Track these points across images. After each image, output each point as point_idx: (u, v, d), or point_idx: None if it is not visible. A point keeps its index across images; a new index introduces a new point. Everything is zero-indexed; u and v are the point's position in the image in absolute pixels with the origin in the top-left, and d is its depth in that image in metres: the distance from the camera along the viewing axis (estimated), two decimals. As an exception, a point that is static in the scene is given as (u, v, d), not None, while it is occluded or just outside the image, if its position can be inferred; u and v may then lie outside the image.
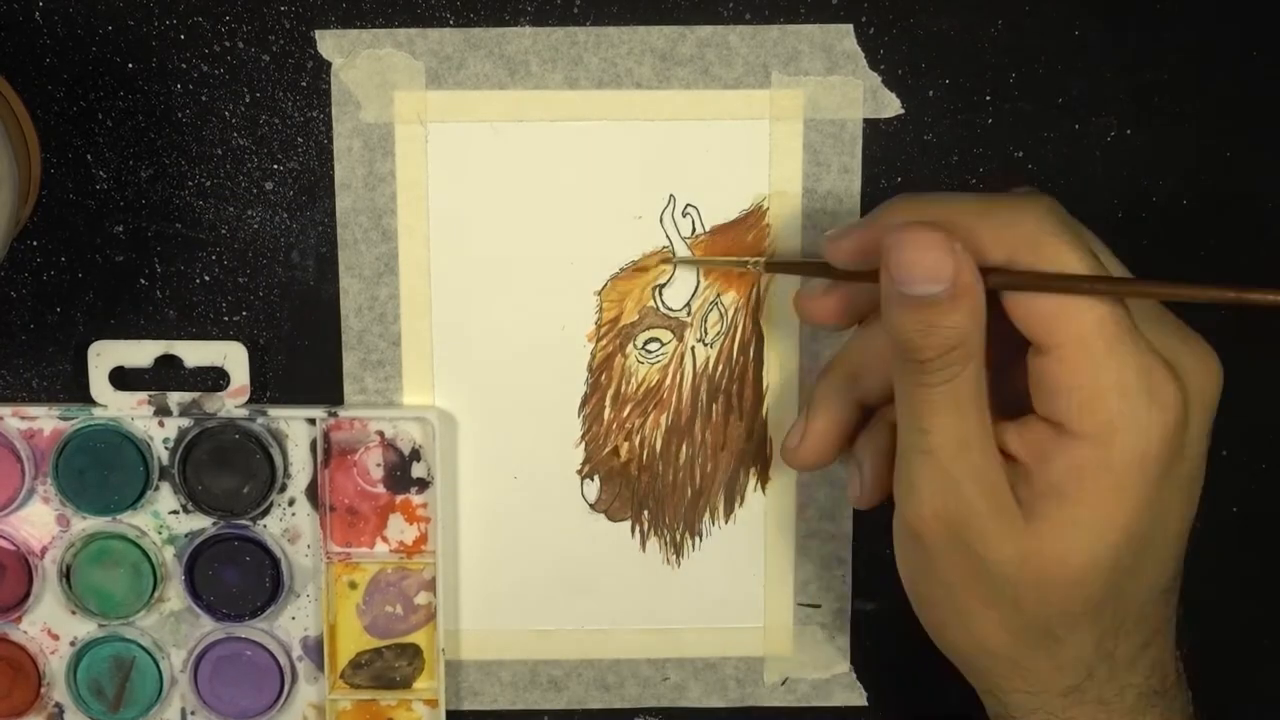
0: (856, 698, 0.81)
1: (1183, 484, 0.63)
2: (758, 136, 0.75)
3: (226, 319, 0.77)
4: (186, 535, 0.79)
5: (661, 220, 0.76)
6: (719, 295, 0.77)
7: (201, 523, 0.79)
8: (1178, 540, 0.65)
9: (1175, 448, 0.61)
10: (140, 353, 0.77)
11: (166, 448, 0.78)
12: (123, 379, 0.77)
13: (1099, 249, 0.63)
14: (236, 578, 0.79)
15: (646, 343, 0.77)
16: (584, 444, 0.79)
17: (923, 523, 0.63)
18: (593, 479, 0.79)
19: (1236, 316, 0.75)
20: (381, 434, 0.78)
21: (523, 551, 0.80)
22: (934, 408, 0.62)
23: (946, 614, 0.66)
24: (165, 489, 0.78)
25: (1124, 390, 0.60)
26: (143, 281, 0.76)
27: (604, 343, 0.77)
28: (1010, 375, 0.64)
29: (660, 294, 0.77)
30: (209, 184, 0.75)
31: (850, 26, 0.74)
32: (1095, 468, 0.61)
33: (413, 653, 0.80)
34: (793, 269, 0.75)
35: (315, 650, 0.80)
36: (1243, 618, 0.80)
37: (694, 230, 0.76)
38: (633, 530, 0.79)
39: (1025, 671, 0.65)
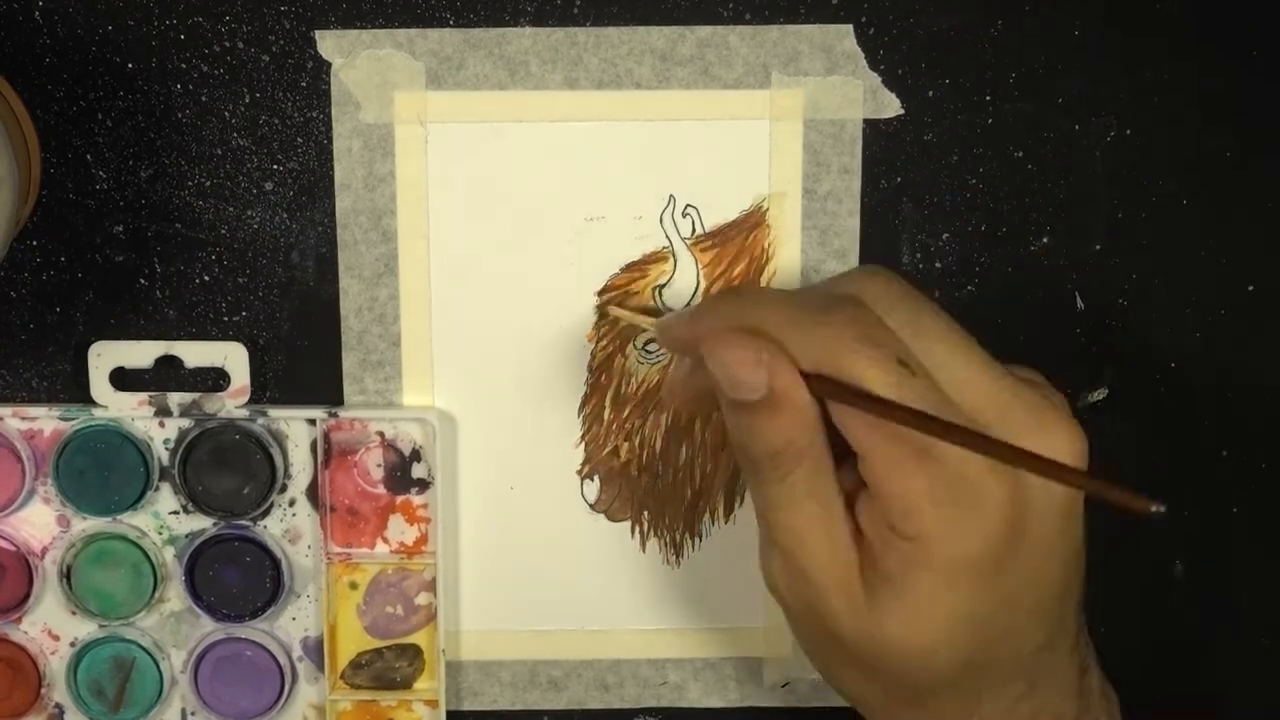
0: None
1: (1036, 563, 0.61)
2: (757, 137, 0.75)
3: (226, 319, 0.76)
4: (187, 536, 0.78)
5: (661, 221, 0.76)
6: None
7: (202, 523, 0.78)
8: (1054, 604, 0.63)
9: (1006, 542, 0.60)
10: (141, 353, 0.76)
11: (167, 448, 0.77)
12: (123, 379, 0.76)
13: (924, 340, 0.61)
14: (237, 578, 0.78)
15: (646, 343, 0.77)
16: (584, 444, 0.78)
17: (779, 595, 0.64)
18: (593, 479, 0.79)
19: (1236, 316, 0.75)
20: (382, 434, 0.77)
21: (523, 552, 0.79)
22: (772, 503, 0.62)
23: (823, 667, 0.66)
24: (165, 489, 0.78)
25: (936, 500, 0.59)
26: (142, 281, 0.76)
27: (604, 343, 0.77)
28: None
29: (660, 294, 0.77)
30: (209, 184, 0.75)
31: (850, 27, 0.74)
32: (918, 565, 0.60)
33: (413, 653, 0.80)
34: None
35: (315, 651, 0.80)
36: (1243, 618, 0.79)
37: (694, 230, 0.76)
38: (633, 530, 0.79)
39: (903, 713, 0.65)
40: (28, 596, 0.78)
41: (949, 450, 0.58)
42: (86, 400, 0.76)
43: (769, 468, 0.61)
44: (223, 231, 0.76)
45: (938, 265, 0.76)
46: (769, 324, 0.60)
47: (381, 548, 0.78)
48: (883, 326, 0.60)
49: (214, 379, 0.77)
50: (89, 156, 0.75)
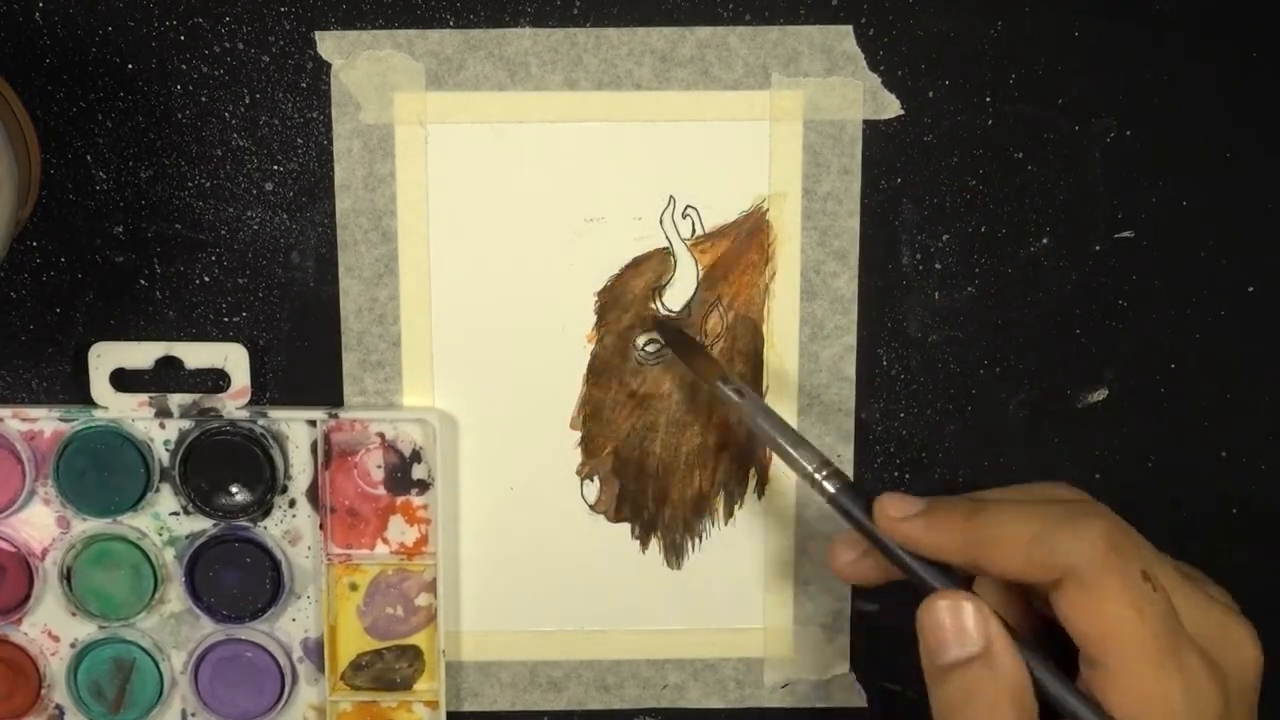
0: (856, 699, 0.80)
1: None
2: (757, 137, 0.74)
3: (226, 320, 0.76)
4: (187, 537, 0.78)
5: (661, 221, 0.75)
6: (718, 297, 0.76)
7: (202, 524, 0.77)
8: None
9: None
10: (141, 354, 0.75)
11: (167, 449, 0.77)
12: (123, 380, 0.76)
13: (1153, 563, 0.63)
14: (237, 579, 0.77)
15: (646, 344, 0.76)
16: (583, 445, 0.78)
17: None
18: (592, 480, 0.78)
19: (1236, 316, 0.74)
20: (382, 435, 0.77)
21: (522, 552, 0.79)
22: None
23: None
24: (166, 490, 0.77)
25: (1169, 709, 0.60)
26: (142, 282, 0.75)
27: (604, 344, 0.76)
28: None
29: (660, 295, 0.76)
30: (209, 185, 0.74)
31: (850, 28, 0.73)
32: None
33: (413, 654, 0.79)
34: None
35: (316, 652, 0.79)
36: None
37: (694, 231, 0.75)
38: (632, 531, 0.78)
39: None
40: (28, 597, 0.78)
41: (1178, 655, 0.60)
42: (87, 401, 0.76)
43: None
44: (223, 232, 0.75)
45: (938, 265, 0.76)
46: (1007, 542, 0.62)
47: (381, 549, 0.78)
48: (1128, 535, 0.62)
49: (214, 380, 0.76)
50: (89, 157, 0.74)
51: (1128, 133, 0.75)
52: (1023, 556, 0.62)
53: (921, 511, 0.65)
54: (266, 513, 0.77)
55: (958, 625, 0.63)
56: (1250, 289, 0.76)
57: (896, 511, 0.65)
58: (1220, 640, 0.63)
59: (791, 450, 0.68)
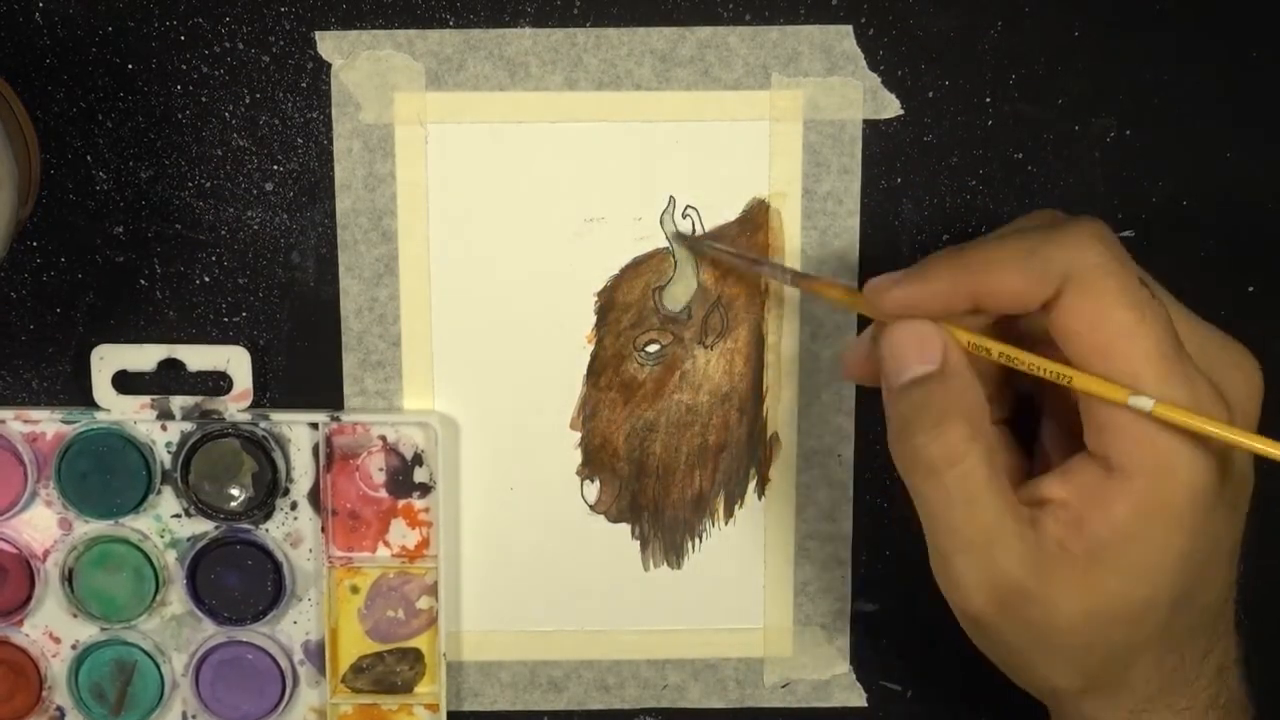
0: (856, 698, 0.80)
1: (1234, 501, 0.63)
2: (757, 137, 0.74)
3: (226, 320, 0.75)
4: (188, 539, 0.77)
5: (661, 221, 0.75)
6: (718, 297, 0.75)
7: (203, 526, 0.77)
8: (1233, 552, 0.65)
9: (1226, 472, 0.61)
10: (143, 356, 0.75)
11: (169, 451, 0.76)
12: (125, 383, 0.75)
13: (1147, 277, 0.62)
14: (238, 581, 0.77)
15: (646, 344, 0.76)
16: (583, 446, 0.77)
17: (971, 604, 0.62)
18: (592, 480, 0.77)
19: (1236, 316, 0.74)
20: (384, 438, 0.76)
21: (523, 553, 0.78)
22: (952, 502, 0.61)
23: (1017, 667, 0.65)
24: (167, 493, 0.76)
25: (1169, 430, 0.59)
26: (142, 282, 0.75)
27: (604, 344, 0.76)
28: (1055, 416, 0.65)
29: (660, 295, 0.75)
30: (209, 185, 0.74)
31: (850, 27, 0.73)
32: (1156, 506, 0.59)
33: (414, 657, 0.78)
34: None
35: (317, 654, 0.78)
36: (1242, 617, 0.77)
37: (694, 231, 0.75)
38: (633, 531, 0.78)
39: (1096, 696, 0.64)
40: (29, 599, 0.77)
41: (1184, 376, 0.59)
42: (87, 402, 0.75)
43: (942, 461, 0.60)
44: (223, 232, 0.74)
45: None
46: (999, 263, 0.61)
47: (383, 551, 0.77)
48: (1122, 246, 0.61)
49: (216, 382, 0.76)
50: (89, 157, 0.73)
51: (1128, 133, 0.74)
52: (1019, 273, 0.60)
53: (910, 271, 0.63)
54: (268, 515, 0.76)
55: (919, 344, 0.62)
56: (1250, 289, 0.76)
57: (886, 281, 0.63)
58: (1219, 361, 0.62)
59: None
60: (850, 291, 0.68)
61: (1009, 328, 0.63)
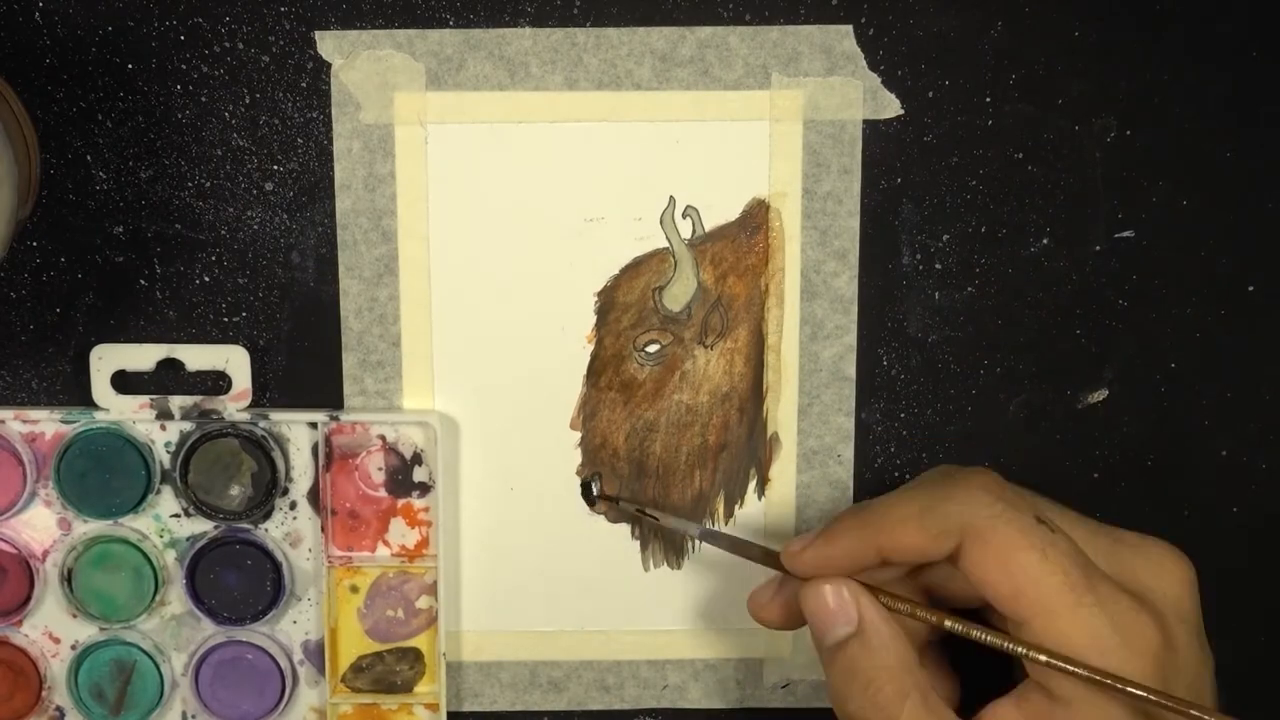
0: None
1: (1188, 674, 0.63)
2: (757, 137, 0.73)
3: (226, 320, 0.75)
4: (188, 539, 0.76)
5: (661, 221, 0.74)
6: (718, 297, 0.75)
7: (203, 526, 0.76)
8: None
9: (1166, 665, 0.62)
10: (142, 356, 0.74)
11: (168, 451, 0.75)
12: (124, 382, 0.75)
13: (1046, 510, 0.65)
14: (238, 581, 0.76)
15: (646, 344, 0.75)
16: (583, 445, 0.77)
17: None
18: (593, 480, 0.77)
19: (1236, 316, 0.74)
20: (383, 438, 0.75)
21: (523, 553, 0.78)
22: None
23: None
24: (167, 492, 0.76)
25: (1101, 649, 0.61)
26: (142, 282, 0.74)
27: (604, 344, 0.75)
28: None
29: (660, 295, 0.75)
30: (209, 184, 0.73)
31: (850, 27, 0.72)
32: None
33: (414, 657, 0.78)
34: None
35: (316, 654, 0.78)
36: (1243, 618, 0.78)
37: (694, 231, 0.74)
38: (633, 531, 0.77)
39: None
40: (28, 599, 0.76)
41: (1097, 598, 0.61)
42: (86, 402, 0.75)
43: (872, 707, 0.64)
44: (223, 232, 0.74)
45: (938, 265, 0.74)
46: (899, 522, 0.64)
47: (382, 551, 0.77)
48: (1015, 489, 0.64)
49: (215, 382, 0.75)
50: (89, 156, 0.73)
51: (1128, 133, 0.73)
52: (917, 530, 0.63)
53: (818, 533, 0.67)
54: (267, 515, 0.76)
55: (837, 606, 0.65)
56: (1250, 289, 0.75)
57: (798, 545, 0.67)
58: (1141, 569, 0.64)
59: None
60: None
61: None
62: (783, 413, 0.76)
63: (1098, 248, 0.74)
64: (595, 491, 0.76)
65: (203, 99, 0.72)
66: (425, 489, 0.76)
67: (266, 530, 0.76)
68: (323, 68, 0.72)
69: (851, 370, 0.75)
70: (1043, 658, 0.61)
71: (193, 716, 0.78)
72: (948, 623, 0.64)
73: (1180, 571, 0.64)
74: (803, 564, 0.67)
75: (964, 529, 0.62)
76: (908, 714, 0.62)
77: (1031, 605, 0.61)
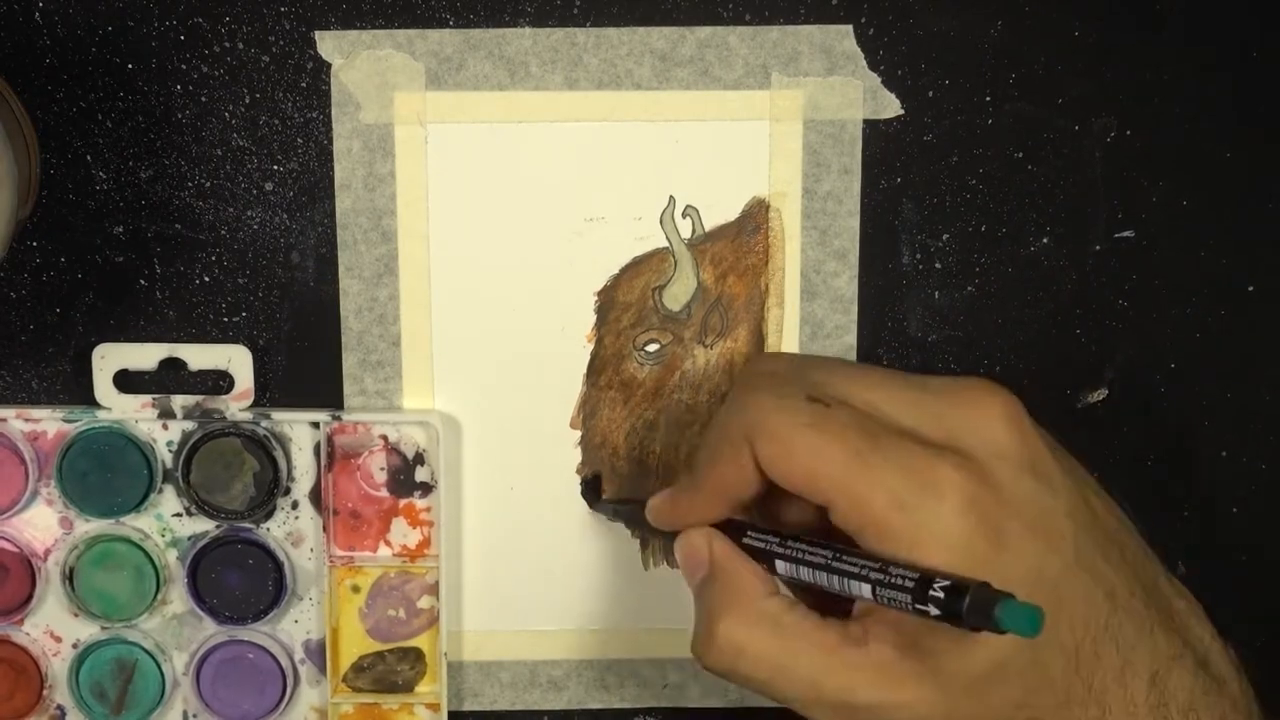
0: None
1: (1028, 511, 0.60)
2: (757, 137, 0.73)
3: (226, 320, 0.74)
4: (189, 538, 0.76)
5: (661, 221, 0.74)
6: (718, 297, 0.74)
7: (204, 526, 0.76)
8: (1088, 556, 0.61)
9: (985, 505, 0.58)
10: (144, 356, 0.74)
11: (170, 450, 0.75)
12: (126, 382, 0.74)
13: (825, 386, 0.63)
14: (239, 581, 0.76)
15: (646, 344, 0.75)
16: (583, 445, 0.76)
17: None
18: (593, 480, 0.77)
19: (1236, 316, 0.74)
20: (385, 438, 0.75)
21: (523, 552, 0.77)
22: (776, 668, 0.62)
23: None
24: (169, 492, 0.76)
25: (900, 503, 0.58)
26: (142, 282, 0.74)
27: (604, 344, 0.75)
28: None
29: (660, 295, 0.74)
30: (209, 185, 0.73)
31: (850, 27, 0.72)
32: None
33: (415, 656, 0.78)
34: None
35: (317, 653, 0.78)
36: (1243, 618, 0.76)
37: (694, 231, 0.74)
38: (632, 531, 0.77)
39: None
40: (30, 598, 0.76)
41: (884, 457, 0.59)
42: (87, 401, 0.74)
43: (736, 648, 0.63)
44: (223, 232, 0.74)
45: (938, 265, 0.74)
46: (706, 459, 0.64)
47: (384, 551, 0.76)
48: (785, 380, 0.63)
49: (217, 381, 0.75)
50: (89, 156, 0.73)
51: (1128, 133, 0.73)
52: (718, 457, 0.63)
53: (672, 489, 0.68)
54: (269, 514, 0.76)
55: (688, 554, 0.65)
56: (1250, 289, 0.75)
57: (656, 500, 0.68)
58: (948, 413, 0.61)
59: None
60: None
61: None
62: (783, 412, 0.75)
63: (1098, 248, 0.74)
64: (596, 490, 0.76)
65: (203, 99, 0.72)
66: (427, 489, 0.75)
67: (268, 530, 0.76)
68: (323, 68, 0.72)
69: (851, 370, 0.75)
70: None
71: (194, 716, 0.78)
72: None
73: (996, 407, 0.60)
74: (660, 519, 0.67)
75: (748, 436, 0.61)
76: (755, 644, 0.61)
77: (827, 483, 0.59)
